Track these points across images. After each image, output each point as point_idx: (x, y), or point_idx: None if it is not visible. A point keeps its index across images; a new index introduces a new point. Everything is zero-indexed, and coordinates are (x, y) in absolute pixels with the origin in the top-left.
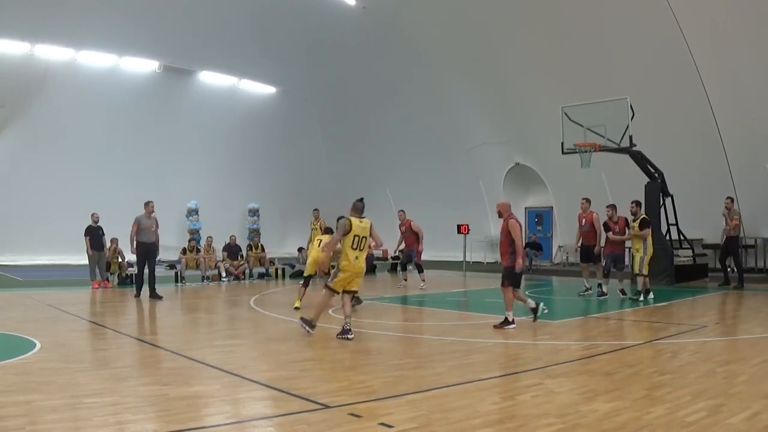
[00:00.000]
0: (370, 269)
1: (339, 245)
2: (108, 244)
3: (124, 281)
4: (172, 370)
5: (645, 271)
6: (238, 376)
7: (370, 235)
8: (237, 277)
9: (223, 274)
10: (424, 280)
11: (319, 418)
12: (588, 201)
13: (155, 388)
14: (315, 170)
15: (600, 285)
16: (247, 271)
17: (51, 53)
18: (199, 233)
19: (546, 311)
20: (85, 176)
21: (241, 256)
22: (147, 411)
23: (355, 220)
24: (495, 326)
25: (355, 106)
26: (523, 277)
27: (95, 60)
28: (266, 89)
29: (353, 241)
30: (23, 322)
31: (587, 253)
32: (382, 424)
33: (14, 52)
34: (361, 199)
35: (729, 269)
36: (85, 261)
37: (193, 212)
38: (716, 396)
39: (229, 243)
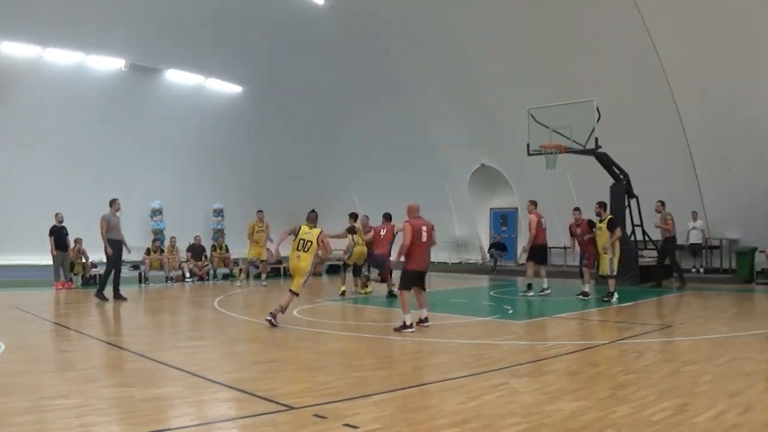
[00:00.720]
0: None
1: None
2: (72, 245)
3: (88, 282)
4: (137, 371)
5: (615, 272)
6: (203, 378)
7: (321, 242)
8: (201, 278)
9: (187, 275)
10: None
11: (284, 420)
12: (532, 203)
13: (120, 390)
14: (280, 171)
15: (539, 282)
16: (211, 271)
17: (16, 50)
18: (163, 233)
19: (427, 326)
20: (49, 176)
21: (205, 256)
22: (112, 413)
23: (304, 227)
24: (395, 329)
25: (321, 107)
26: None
27: (61, 58)
28: (233, 88)
29: (298, 243)
30: None
31: (535, 253)
32: (347, 425)
33: None
34: (313, 210)
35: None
36: (48, 261)
37: (157, 212)
38: (681, 395)
39: (193, 243)
